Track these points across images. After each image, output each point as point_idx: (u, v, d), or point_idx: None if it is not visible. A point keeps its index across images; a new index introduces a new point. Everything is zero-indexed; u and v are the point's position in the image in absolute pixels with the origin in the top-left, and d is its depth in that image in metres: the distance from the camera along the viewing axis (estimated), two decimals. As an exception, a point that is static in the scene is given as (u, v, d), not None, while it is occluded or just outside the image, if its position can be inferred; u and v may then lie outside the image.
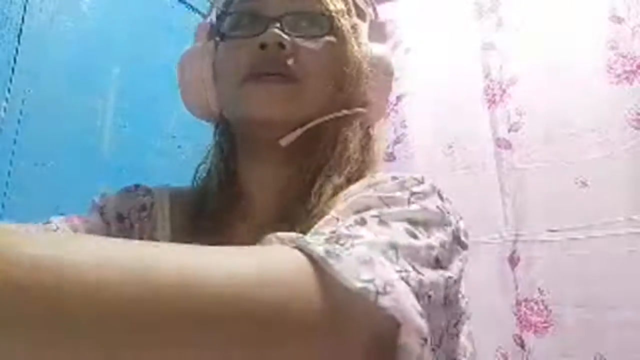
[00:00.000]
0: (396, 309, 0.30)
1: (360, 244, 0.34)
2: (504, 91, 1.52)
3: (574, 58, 1.42)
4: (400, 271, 0.34)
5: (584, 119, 1.38)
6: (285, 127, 0.54)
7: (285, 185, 0.55)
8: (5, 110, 1.09)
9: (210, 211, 0.56)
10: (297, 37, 0.54)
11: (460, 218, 0.49)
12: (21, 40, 1.13)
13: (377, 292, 0.30)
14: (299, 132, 0.54)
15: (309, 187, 0.52)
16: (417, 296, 0.35)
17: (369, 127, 0.61)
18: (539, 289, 1.36)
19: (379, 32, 0.64)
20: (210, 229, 0.54)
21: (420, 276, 0.36)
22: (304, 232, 0.40)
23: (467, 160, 1.54)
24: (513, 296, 1.39)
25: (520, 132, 1.47)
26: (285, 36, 0.53)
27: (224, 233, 0.54)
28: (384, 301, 0.30)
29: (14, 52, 1.12)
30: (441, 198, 0.48)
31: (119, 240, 0.28)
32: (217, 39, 0.59)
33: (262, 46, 0.52)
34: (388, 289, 0.31)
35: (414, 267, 0.37)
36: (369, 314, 0.31)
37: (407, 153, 1.64)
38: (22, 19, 1.14)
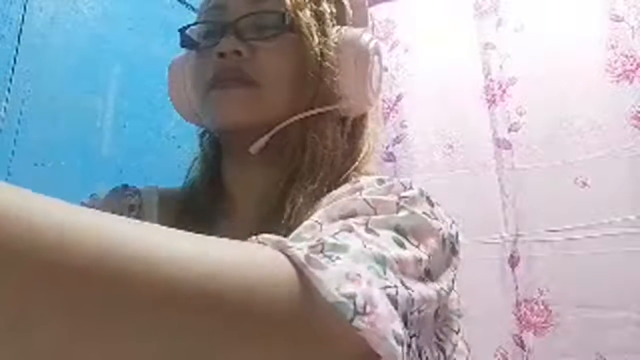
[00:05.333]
0: (371, 332, 0.29)
1: (346, 256, 0.32)
2: (504, 91, 1.52)
3: (574, 58, 1.42)
4: (389, 287, 0.33)
5: (584, 119, 1.38)
6: (253, 132, 0.53)
7: (265, 189, 0.54)
8: (5, 110, 1.09)
9: (196, 211, 0.56)
10: (253, 39, 0.53)
11: (453, 222, 0.47)
12: (21, 40, 1.13)
13: (356, 311, 0.29)
14: (266, 138, 0.53)
15: (284, 194, 0.52)
16: (405, 314, 0.33)
17: (353, 123, 0.59)
18: (539, 289, 1.36)
19: (359, 12, 0.61)
20: (196, 228, 0.53)
21: (409, 291, 0.35)
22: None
23: (467, 160, 1.54)
24: (513, 296, 1.39)
25: (520, 132, 1.47)
26: (241, 42, 0.52)
27: (209, 233, 0.54)
28: (360, 322, 0.28)
29: (14, 52, 1.12)
30: (430, 203, 0.46)
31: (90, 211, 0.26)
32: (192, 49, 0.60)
33: (221, 55, 0.52)
34: (368, 309, 0.29)
35: (402, 282, 0.35)
36: (342, 331, 0.29)
37: (407, 153, 1.64)
38: (22, 19, 1.14)
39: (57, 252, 0.21)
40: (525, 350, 1.35)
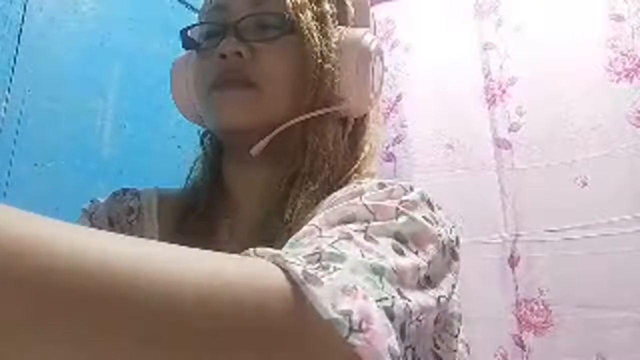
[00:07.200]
0: (366, 349, 0.28)
1: (343, 267, 0.32)
2: (504, 91, 1.52)
3: (574, 57, 1.42)
4: (385, 298, 0.33)
5: (583, 118, 1.38)
6: (254, 134, 0.53)
7: (266, 189, 0.54)
8: (5, 110, 1.09)
9: (197, 211, 0.57)
10: (255, 41, 0.53)
11: (453, 226, 0.47)
12: (21, 40, 1.13)
13: (351, 328, 0.28)
14: (266, 140, 0.53)
15: (285, 196, 0.52)
16: (403, 325, 0.33)
17: (354, 123, 0.59)
18: (539, 289, 1.36)
19: (361, 12, 0.62)
20: (196, 229, 0.54)
21: (406, 302, 0.34)
22: (284, 242, 0.39)
23: (467, 160, 1.54)
24: (513, 296, 1.39)
25: (520, 132, 1.47)
26: (242, 43, 0.52)
27: (210, 234, 0.54)
28: (355, 339, 0.28)
29: (14, 52, 1.12)
30: (431, 207, 0.46)
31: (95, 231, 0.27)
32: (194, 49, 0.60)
33: (222, 56, 0.52)
34: (364, 325, 0.29)
35: (400, 292, 0.35)
36: (337, 348, 0.29)
37: (407, 153, 1.64)
38: (22, 19, 1.14)
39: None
40: (525, 350, 1.35)
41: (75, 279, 0.22)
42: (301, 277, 0.29)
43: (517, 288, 1.39)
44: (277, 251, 0.32)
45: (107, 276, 0.23)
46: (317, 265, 0.32)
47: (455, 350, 0.47)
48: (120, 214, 0.59)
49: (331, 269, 0.32)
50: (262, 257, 0.32)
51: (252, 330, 0.27)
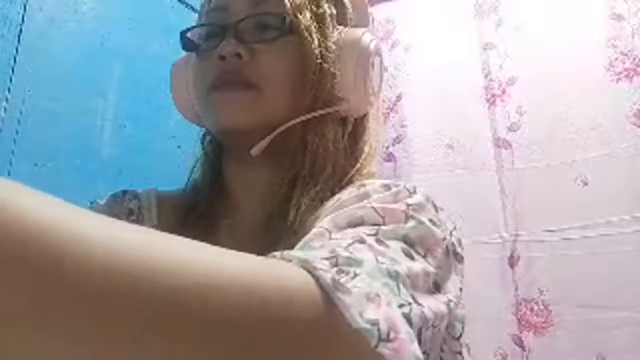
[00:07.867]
0: (395, 357, 0.29)
1: (362, 271, 0.33)
2: (504, 91, 1.52)
3: (574, 57, 1.42)
4: (403, 305, 0.33)
5: (583, 118, 1.38)
6: (254, 134, 0.53)
7: (267, 190, 0.54)
8: (5, 110, 1.09)
9: (198, 212, 0.57)
10: (254, 42, 0.53)
11: (455, 228, 0.48)
12: (21, 40, 1.13)
13: (380, 338, 0.29)
14: (267, 140, 0.53)
15: (287, 197, 0.52)
16: (419, 332, 0.34)
17: (354, 123, 0.59)
18: (538, 288, 1.36)
19: (359, 13, 0.62)
20: (197, 229, 0.53)
21: (421, 309, 0.35)
22: (288, 244, 0.39)
23: (467, 160, 1.54)
24: (513, 296, 1.39)
25: (520, 132, 1.47)
26: (241, 44, 0.52)
27: (210, 234, 0.54)
28: (384, 349, 0.29)
29: (14, 52, 1.12)
30: (435, 209, 0.46)
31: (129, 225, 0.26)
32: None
33: (221, 57, 0.52)
34: (392, 335, 0.29)
35: (414, 298, 0.35)
36: (366, 357, 0.29)
37: (407, 153, 1.64)
38: (22, 19, 1.14)
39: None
40: (525, 350, 1.35)
41: (76, 267, 0.21)
42: (330, 283, 0.29)
43: (517, 288, 1.39)
44: (305, 255, 0.32)
45: (108, 264, 0.22)
46: (335, 269, 0.32)
47: (458, 353, 0.47)
48: (119, 216, 0.59)
49: (351, 274, 0.32)
50: (289, 260, 0.31)
51: (279, 340, 0.27)
